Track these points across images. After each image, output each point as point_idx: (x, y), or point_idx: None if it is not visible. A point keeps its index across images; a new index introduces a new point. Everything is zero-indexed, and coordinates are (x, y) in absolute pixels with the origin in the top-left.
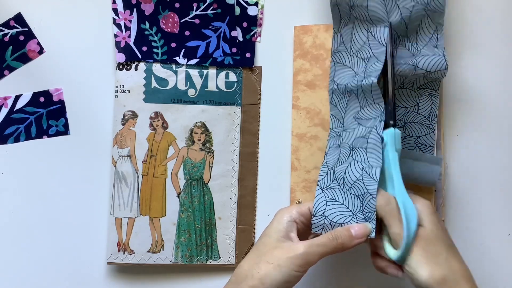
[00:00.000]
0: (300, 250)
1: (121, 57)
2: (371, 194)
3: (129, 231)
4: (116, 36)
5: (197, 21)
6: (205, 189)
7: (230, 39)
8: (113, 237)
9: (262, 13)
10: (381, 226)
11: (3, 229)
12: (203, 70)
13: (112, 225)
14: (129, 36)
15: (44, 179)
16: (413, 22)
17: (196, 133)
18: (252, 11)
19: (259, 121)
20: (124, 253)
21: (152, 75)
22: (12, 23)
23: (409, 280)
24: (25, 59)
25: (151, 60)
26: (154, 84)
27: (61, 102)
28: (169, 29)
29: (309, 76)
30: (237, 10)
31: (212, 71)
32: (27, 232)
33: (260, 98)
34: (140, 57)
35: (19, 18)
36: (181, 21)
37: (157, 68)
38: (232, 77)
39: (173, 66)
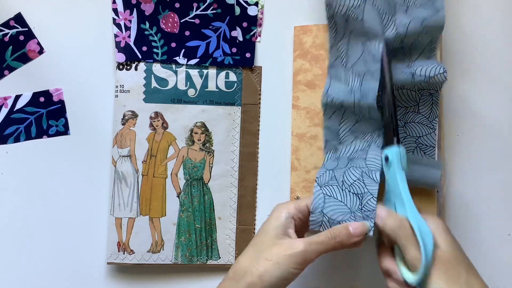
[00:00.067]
0: (299, 248)
1: (121, 57)
2: (371, 194)
3: (129, 231)
4: (116, 36)
5: (197, 21)
6: (205, 189)
7: (230, 39)
8: (113, 237)
9: (262, 13)
10: (392, 248)
11: (3, 229)
12: (203, 70)
13: (112, 225)
14: (129, 36)
15: (44, 179)
16: (409, 37)
17: (196, 133)
18: (252, 11)
19: (259, 121)
20: (124, 253)
21: (152, 75)
22: (12, 23)
23: None
24: (25, 59)
25: (151, 60)
26: (154, 84)
27: (61, 102)
28: (169, 29)
29: (309, 76)
30: (237, 10)
31: (212, 71)
32: (27, 232)
33: (260, 98)
34: (140, 57)
35: (19, 18)
36: (181, 21)
37: (157, 68)
38: (232, 77)
39: (173, 66)
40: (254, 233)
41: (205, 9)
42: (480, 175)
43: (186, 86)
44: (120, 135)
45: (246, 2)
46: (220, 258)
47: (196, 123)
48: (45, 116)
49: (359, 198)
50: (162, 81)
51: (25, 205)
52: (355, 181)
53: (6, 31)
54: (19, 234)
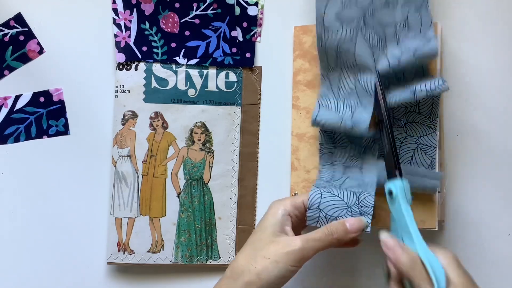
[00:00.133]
0: (297, 245)
1: (121, 57)
2: (369, 193)
3: (129, 231)
4: (116, 36)
5: (197, 21)
6: (205, 189)
7: (230, 39)
8: (113, 237)
9: (262, 13)
10: (402, 283)
11: (3, 229)
12: (203, 70)
13: (112, 225)
14: (129, 36)
15: (44, 179)
16: (402, 68)
17: (196, 133)
18: (252, 11)
19: (259, 121)
20: (124, 253)
21: (152, 75)
22: (12, 23)
23: None
24: (25, 59)
25: (151, 60)
26: (154, 84)
27: (61, 102)
28: (169, 29)
29: (309, 76)
30: (237, 10)
31: (212, 71)
32: (27, 232)
33: (260, 98)
34: (140, 57)
35: (19, 18)
36: (181, 21)
37: (157, 68)
38: (232, 77)
39: (173, 66)
40: None
41: (205, 9)
42: (480, 175)
43: (186, 86)
44: (120, 135)
45: (246, 2)
46: (220, 258)
47: (196, 123)
48: (45, 116)
49: (356, 195)
50: (162, 81)
51: (25, 205)
52: (351, 186)
53: (6, 31)
54: (19, 234)
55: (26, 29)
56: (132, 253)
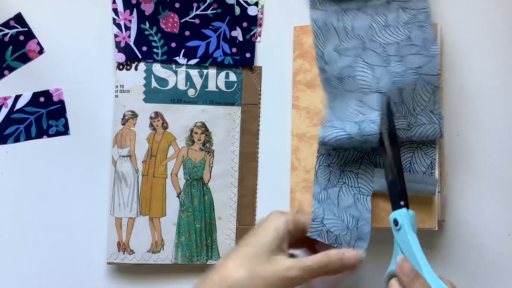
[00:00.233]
0: (293, 273)
1: (121, 57)
2: (366, 221)
3: (129, 231)
4: (116, 36)
5: (197, 21)
6: (205, 189)
7: (230, 39)
8: (113, 237)
9: (262, 13)
10: None
11: (3, 229)
12: (203, 70)
13: (112, 225)
14: (129, 36)
15: (44, 179)
16: (407, 88)
17: (196, 133)
18: (252, 11)
19: (259, 121)
20: (124, 253)
21: (152, 75)
22: (12, 23)
23: None
24: (25, 59)
25: (151, 60)
26: (154, 84)
27: (61, 102)
28: (169, 29)
29: (309, 76)
30: (237, 10)
31: (212, 71)
32: (27, 232)
33: (260, 98)
34: (140, 57)
35: (19, 18)
36: (181, 21)
37: (157, 68)
38: (232, 77)
39: (173, 66)
40: None
41: (205, 9)
42: (480, 175)
43: (186, 86)
44: (120, 135)
45: (246, 2)
46: (220, 258)
47: (196, 123)
48: (45, 116)
49: (354, 220)
50: (162, 81)
51: (25, 205)
52: (349, 206)
53: (6, 31)
54: (19, 234)
55: (26, 29)
56: (132, 253)
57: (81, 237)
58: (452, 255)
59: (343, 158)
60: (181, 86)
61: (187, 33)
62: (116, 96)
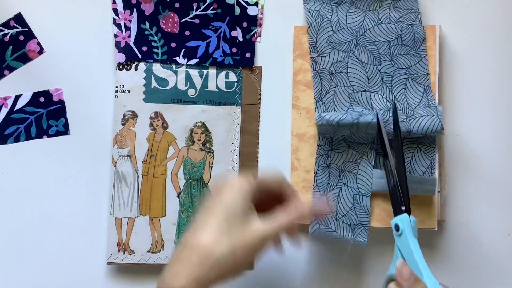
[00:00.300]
0: (271, 232)
1: (121, 57)
2: (363, 226)
3: (129, 231)
4: (116, 36)
5: (197, 21)
6: (205, 189)
7: (230, 39)
8: (113, 237)
9: (262, 13)
10: None
11: (3, 229)
12: (203, 70)
13: (112, 225)
14: (129, 36)
15: (44, 179)
16: (398, 88)
17: (196, 133)
18: (252, 11)
19: (259, 121)
20: (124, 253)
21: (152, 75)
22: (12, 23)
23: None
24: (25, 59)
25: (151, 60)
26: (154, 84)
27: (61, 102)
28: (169, 29)
29: (309, 76)
30: (237, 10)
31: (212, 71)
32: (27, 232)
33: (260, 98)
34: (140, 57)
35: (19, 18)
36: (181, 21)
37: (157, 68)
38: (232, 77)
39: (173, 66)
40: None
41: (205, 9)
42: (480, 176)
43: (186, 86)
44: (120, 135)
45: (246, 2)
46: None
47: (196, 123)
48: (45, 116)
49: (351, 229)
50: (162, 81)
51: (25, 205)
52: (348, 212)
53: (6, 31)
54: (19, 234)
55: (26, 29)
56: (132, 253)
57: (81, 237)
58: (452, 255)
59: (342, 159)
60: (181, 86)
61: (187, 33)
62: (116, 96)
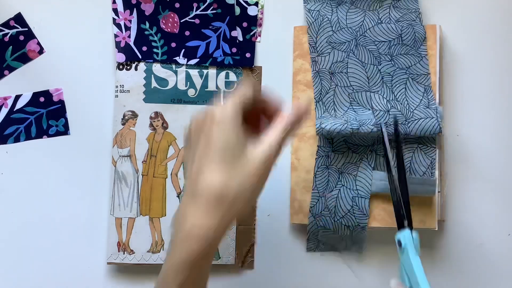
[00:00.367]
0: (265, 152)
1: (121, 57)
2: (362, 227)
3: (129, 231)
4: (116, 36)
5: (197, 21)
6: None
7: (230, 39)
8: (113, 237)
9: (262, 13)
10: None
11: (3, 229)
12: (203, 70)
13: (112, 225)
14: (129, 36)
15: (44, 179)
16: (398, 88)
17: None
18: (252, 11)
19: None
20: (124, 253)
21: (152, 75)
22: (12, 23)
23: None
24: (25, 59)
25: (151, 60)
26: (154, 84)
27: (61, 102)
28: (169, 29)
29: (309, 76)
30: (237, 10)
31: (212, 71)
32: (27, 232)
33: None
34: (140, 57)
35: (19, 18)
36: (181, 21)
37: (157, 68)
38: (232, 77)
39: (173, 66)
40: (254, 233)
41: (205, 9)
42: (480, 176)
43: (186, 86)
44: (120, 135)
45: (246, 2)
46: (220, 258)
47: None
48: (45, 116)
49: (350, 230)
50: (162, 81)
51: (25, 205)
52: (346, 213)
53: (6, 31)
54: (19, 234)
55: (26, 29)
56: (132, 253)
57: (81, 237)
58: (452, 255)
59: (342, 160)
60: (181, 86)
61: (187, 33)
62: (116, 96)
